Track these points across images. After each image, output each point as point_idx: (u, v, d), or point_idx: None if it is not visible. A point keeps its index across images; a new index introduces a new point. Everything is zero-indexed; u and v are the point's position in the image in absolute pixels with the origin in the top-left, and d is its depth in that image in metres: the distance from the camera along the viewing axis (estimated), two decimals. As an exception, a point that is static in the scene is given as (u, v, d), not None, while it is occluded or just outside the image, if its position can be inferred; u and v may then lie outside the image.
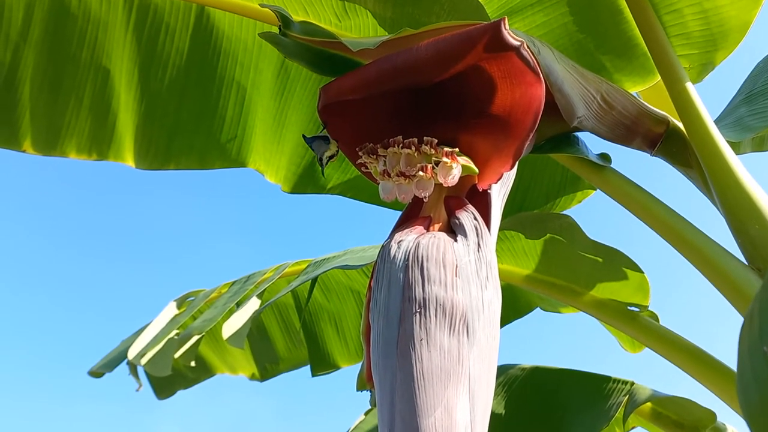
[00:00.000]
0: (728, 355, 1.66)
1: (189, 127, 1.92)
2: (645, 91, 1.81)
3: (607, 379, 2.05)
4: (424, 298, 0.84)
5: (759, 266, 1.35)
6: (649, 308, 1.97)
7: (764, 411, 0.72)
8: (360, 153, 1.06)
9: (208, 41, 1.84)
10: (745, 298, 1.34)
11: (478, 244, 0.93)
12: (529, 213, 2.07)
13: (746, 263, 1.39)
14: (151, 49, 1.83)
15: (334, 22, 1.47)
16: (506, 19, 0.93)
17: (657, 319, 1.94)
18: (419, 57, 0.97)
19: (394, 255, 0.91)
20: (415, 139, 0.99)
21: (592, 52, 1.74)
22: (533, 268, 2.05)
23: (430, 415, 0.77)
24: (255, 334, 3.11)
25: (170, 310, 2.64)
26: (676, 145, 1.53)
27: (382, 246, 0.96)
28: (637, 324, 1.88)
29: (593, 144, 1.55)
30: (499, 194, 1.07)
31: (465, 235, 0.94)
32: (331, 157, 1.16)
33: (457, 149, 0.99)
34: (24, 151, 1.85)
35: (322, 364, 2.98)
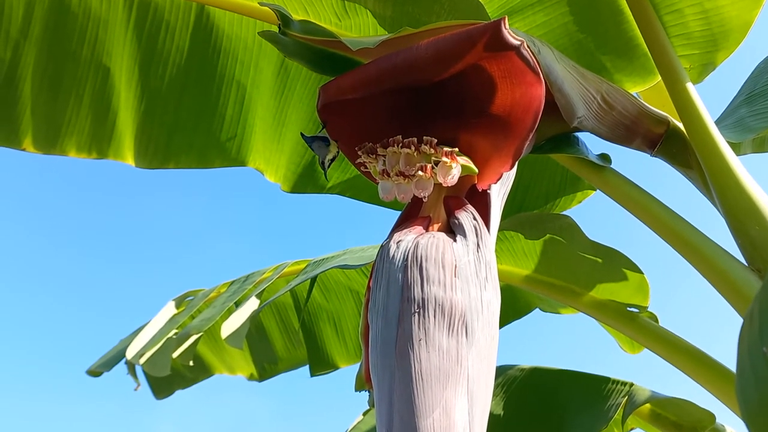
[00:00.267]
0: (727, 356, 1.66)
1: (189, 125, 1.92)
2: (645, 91, 1.80)
3: (606, 380, 2.04)
4: (422, 299, 0.84)
5: (759, 267, 1.35)
6: (648, 309, 1.96)
7: (763, 412, 0.71)
8: (359, 152, 1.06)
9: (208, 40, 1.84)
10: (745, 299, 1.34)
11: (478, 245, 0.93)
12: (529, 213, 2.07)
13: (746, 264, 1.39)
14: (151, 47, 1.83)
15: (333, 21, 1.47)
16: (506, 19, 0.93)
17: (656, 320, 1.94)
18: (419, 56, 0.97)
19: (393, 255, 0.90)
20: (415, 139, 0.98)
21: (592, 52, 1.74)
22: (533, 269, 2.05)
23: (429, 415, 0.77)
24: (254, 334, 3.10)
25: (169, 310, 2.64)
26: (677, 145, 1.53)
27: (381, 246, 0.95)
28: (636, 325, 1.88)
29: (593, 144, 1.55)
30: (498, 194, 1.07)
31: (464, 236, 0.93)
32: (332, 160, 1.16)
33: (456, 149, 0.99)
34: (24, 150, 1.85)
35: (320, 364, 2.98)
